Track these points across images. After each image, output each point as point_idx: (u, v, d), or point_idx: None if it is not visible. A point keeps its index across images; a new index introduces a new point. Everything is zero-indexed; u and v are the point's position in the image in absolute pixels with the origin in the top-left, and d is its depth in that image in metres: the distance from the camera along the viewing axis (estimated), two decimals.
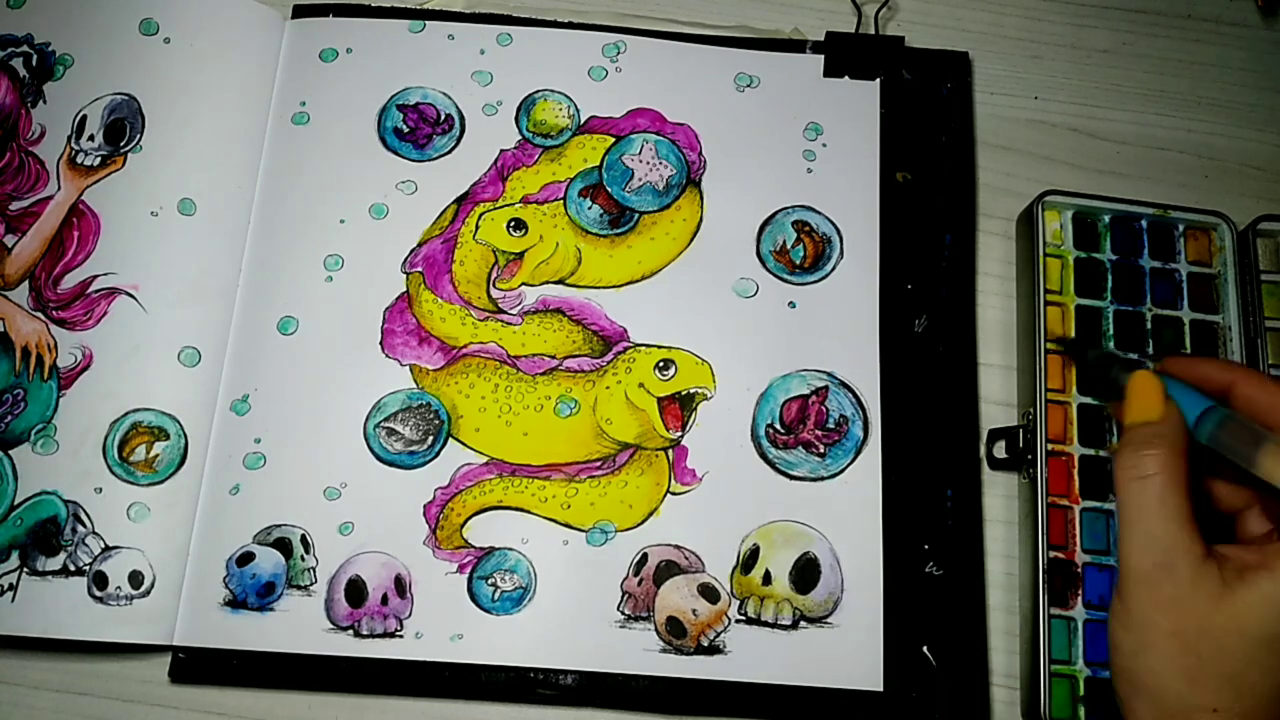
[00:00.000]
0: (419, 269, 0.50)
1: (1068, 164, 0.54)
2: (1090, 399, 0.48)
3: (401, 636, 0.45)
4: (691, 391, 0.49)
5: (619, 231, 0.51)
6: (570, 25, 0.54)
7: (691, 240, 0.51)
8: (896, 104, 0.53)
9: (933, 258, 0.51)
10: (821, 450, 0.48)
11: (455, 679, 0.45)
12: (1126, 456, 0.36)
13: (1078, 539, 0.46)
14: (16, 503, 0.46)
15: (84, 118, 0.51)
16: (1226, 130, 0.55)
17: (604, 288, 0.50)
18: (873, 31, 0.55)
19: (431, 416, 0.48)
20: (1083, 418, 0.48)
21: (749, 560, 0.47)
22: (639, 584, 0.46)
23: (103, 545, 0.45)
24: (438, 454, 0.48)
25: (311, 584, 0.46)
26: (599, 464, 0.48)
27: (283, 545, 0.46)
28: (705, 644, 0.45)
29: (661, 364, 0.49)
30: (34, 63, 0.52)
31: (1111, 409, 0.38)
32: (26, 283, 0.49)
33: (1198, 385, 0.37)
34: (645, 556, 0.47)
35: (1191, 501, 0.35)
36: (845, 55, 0.54)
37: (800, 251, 0.51)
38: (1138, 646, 0.35)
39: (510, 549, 0.46)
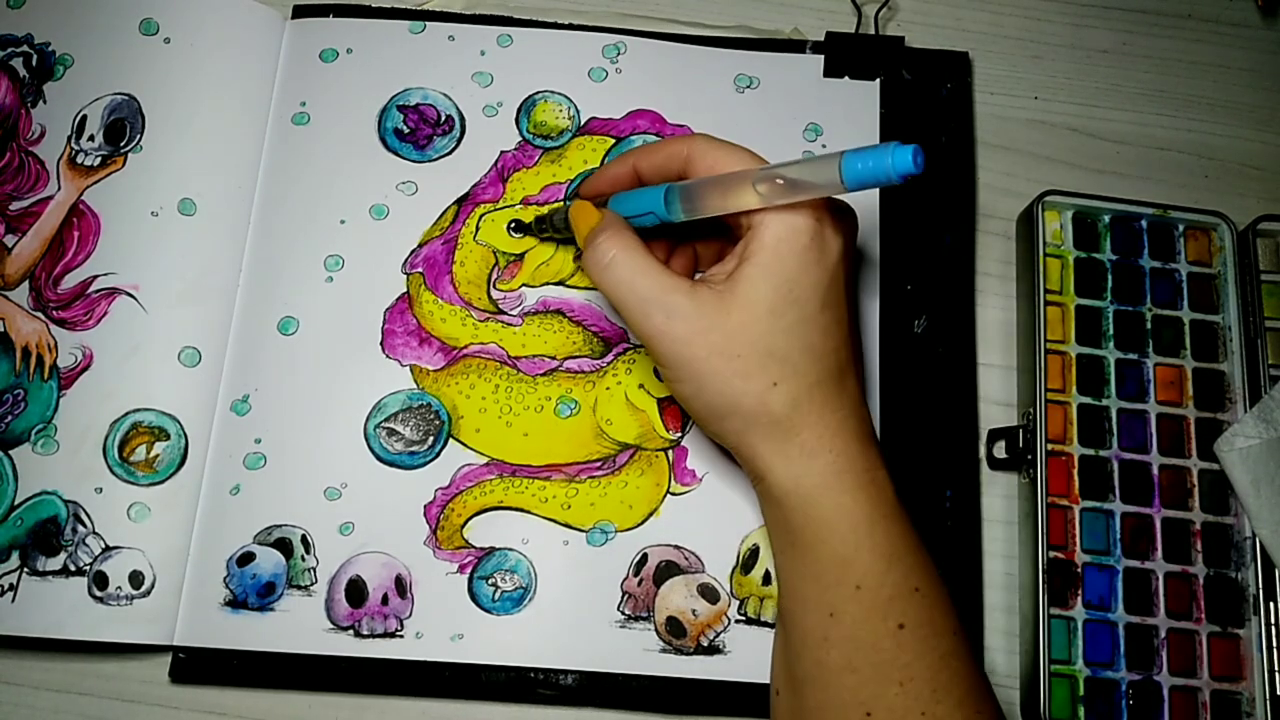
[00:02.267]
0: (419, 270, 0.50)
1: (1068, 164, 0.54)
2: (1089, 399, 0.48)
3: (402, 636, 0.45)
4: None
5: None
6: (570, 26, 0.54)
7: None
8: (896, 104, 0.53)
9: (932, 258, 0.51)
10: None
11: (455, 679, 0.45)
12: (588, 258, 0.40)
13: (1078, 539, 0.46)
14: (17, 503, 0.46)
15: (84, 118, 0.51)
16: (1226, 130, 0.56)
17: None
18: (873, 32, 0.55)
19: (432, 417, 0.48)
20: (1083, 418, 0.48)
21: (749, 560, 0.47)
22: (639, 584, 0.46)
23: (103, 545, 0.45)
24: (438, 454, 0.48)
25: (312, 584, 0.46)
26: (599, 464, 0.48)
27: (283, 545, 0.46)
28: (705, 644, 0.45)
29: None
30: (34, 63, 0.52)
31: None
32: (26, 283, 0.49)
33: (616, 187, 0.44)
34: (645, 557, 0.47)
35: (656, 258, 0.40)
36: (845, 55, 0.54)
37: None
38: (695, 386, 0.39)
39: (510, 549, 0.47)
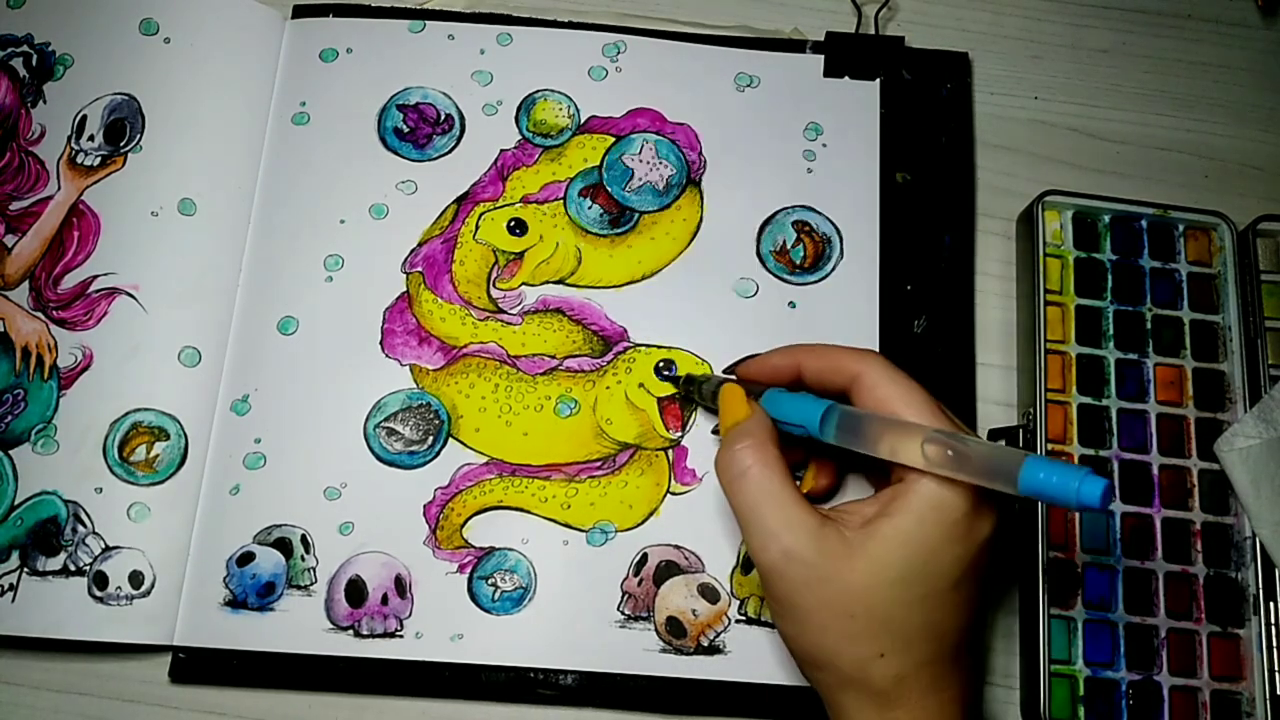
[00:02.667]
0: (419, 269, 0.50)
1: (1068, 164, 0.54)
2: (1089, 399, 0.48)
3: (401, 636, 0.45)
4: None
5: (619, 231, 0.51)
6: (570, 25, 0.54)
7: (691, 240, 0.51)
8: (896, 104, 0.53)
9: (932, 258, 0.51)
10: None
11: (455, 679, 0.45)
12: (722, 458, 0.38)
13: (1078, 539, 0.46)
14: (16, 503, 0.46)
15: (84, 118, 0.51)
16: (1226, 130, 0.56)
17: (604, 288, 0.50)
18: (873, 31, 0.55)
19: (431, 416, 0.48)
20: (1083, 417, 0.48)
21: (749, 560, 0.47)
22: (639, 584, 0.46)
23: (103, 545, 0.45)
24: (438, 454, 0.48)
25: (311, 584, 0.46)
26: (599, 464, 0.48)
27: (283, 545, 0.46)
28: (705, 644, 0.45)
29: (662, 364, 0.49)
30: (34, 63, 0.52)
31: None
32: (26, 283, 0.49)
33: (775, 379, 0.41)
34: (645, 556, 0.47)
35: (792, 482, 0.37)
36: (845, 55, 0.54)
37: (800, 251, 0.51)
38: (797, 629, 0.37)
39: (510, 549, 0.47)
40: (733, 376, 0.44)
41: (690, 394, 0.47)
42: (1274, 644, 0.45)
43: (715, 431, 0.48)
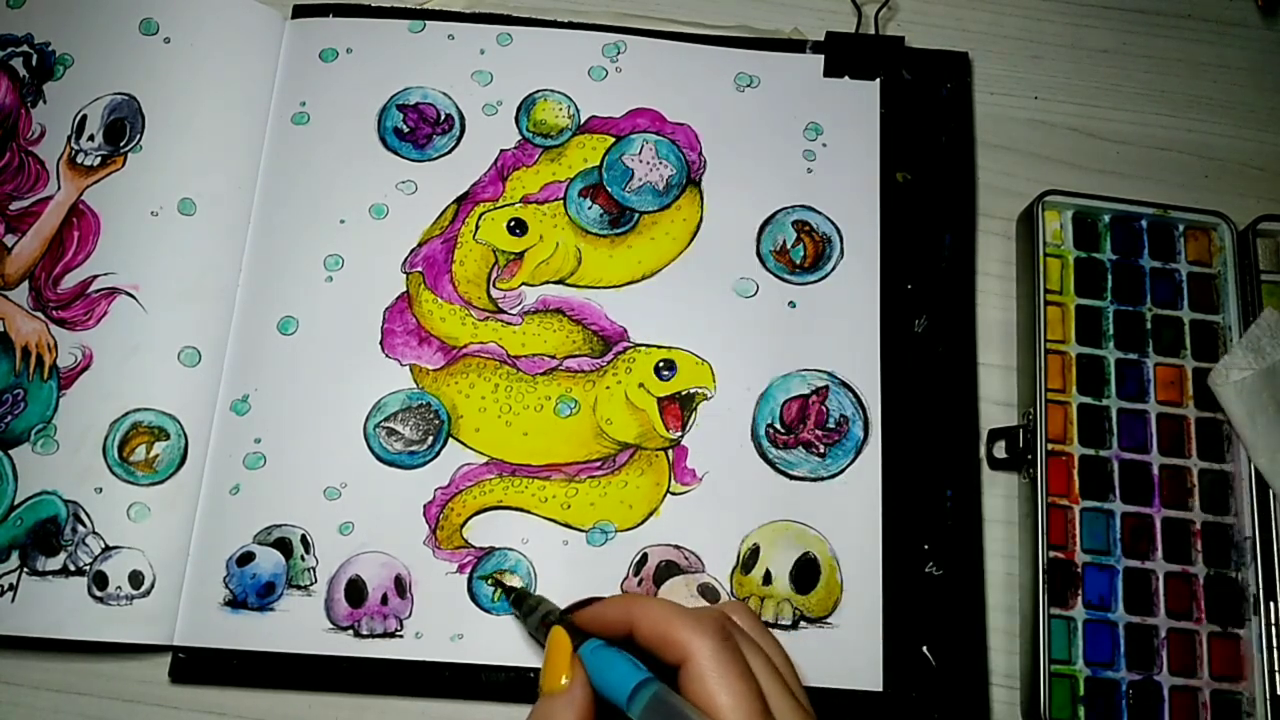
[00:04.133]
0: (419, 269, 0.50)
1: (1068, 164, 0.54)
2: (1089, 399, 0.48)
3: (401, 636, 0.45)
4: (691, 391, 0.49)
5: (619, 231, 0.51)
6: (570, 25, 0.54)
7: (691, 240, 0.51)
8: (896, 104, 0.53)
9: (933, 258, 0.51)
10: (822, 450, 0.48)
11: (455, 679, 0.45)
12: (541, 708, 0.35)
13: (1078, 539, 0.46)
14: (16, 503, 0.46)
15: (84, 117, 0.51)
16: (1226, 130, 0.56)
17: (604, 288, 0.50)
18: (873, 31, 0.55)
19: (431, 416, 0.48)
20: (1082, 417, 0.48)
21: (749, 560, 0.47)
22: (639, 584, 0.46)
23: (103, 545, 0.45)
24: (438, 454, 0.48)
25: (311, 584, 0.46)
26: (599, 464, 0.48)
27: (283, 545, 0.46)
28: None
29: (661, 364, 0.49)
30: (34, 63, 0.52)
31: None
32: (26, 283, 0.49)
33: (606, 633, 0.36)
34: (645, 556, 0.47)
35: None
36: (845, 55, 0.54)
37: (800, 251, 0.51)
38: None
39: (510, 549, 0.47)
40: (564, 614, 0.39)
41: (516, 615, 0.44)
42: (1274, 644, 0.45)
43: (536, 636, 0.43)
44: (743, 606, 0.38)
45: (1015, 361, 0.51)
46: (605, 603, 0.38)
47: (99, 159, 0.50)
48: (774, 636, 0.37)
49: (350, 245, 0.50)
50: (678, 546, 0.47)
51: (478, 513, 0.47)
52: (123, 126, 0.50)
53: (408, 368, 0.49)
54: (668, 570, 0.46)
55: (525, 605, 0.42)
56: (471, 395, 0.49)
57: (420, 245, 0.51)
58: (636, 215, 0.52)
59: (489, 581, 0.46)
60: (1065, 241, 0.51)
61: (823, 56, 0.54)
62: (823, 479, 0.48)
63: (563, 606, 0.40)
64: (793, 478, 0.48)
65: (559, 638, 0.37)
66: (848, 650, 0.45)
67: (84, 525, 0.45)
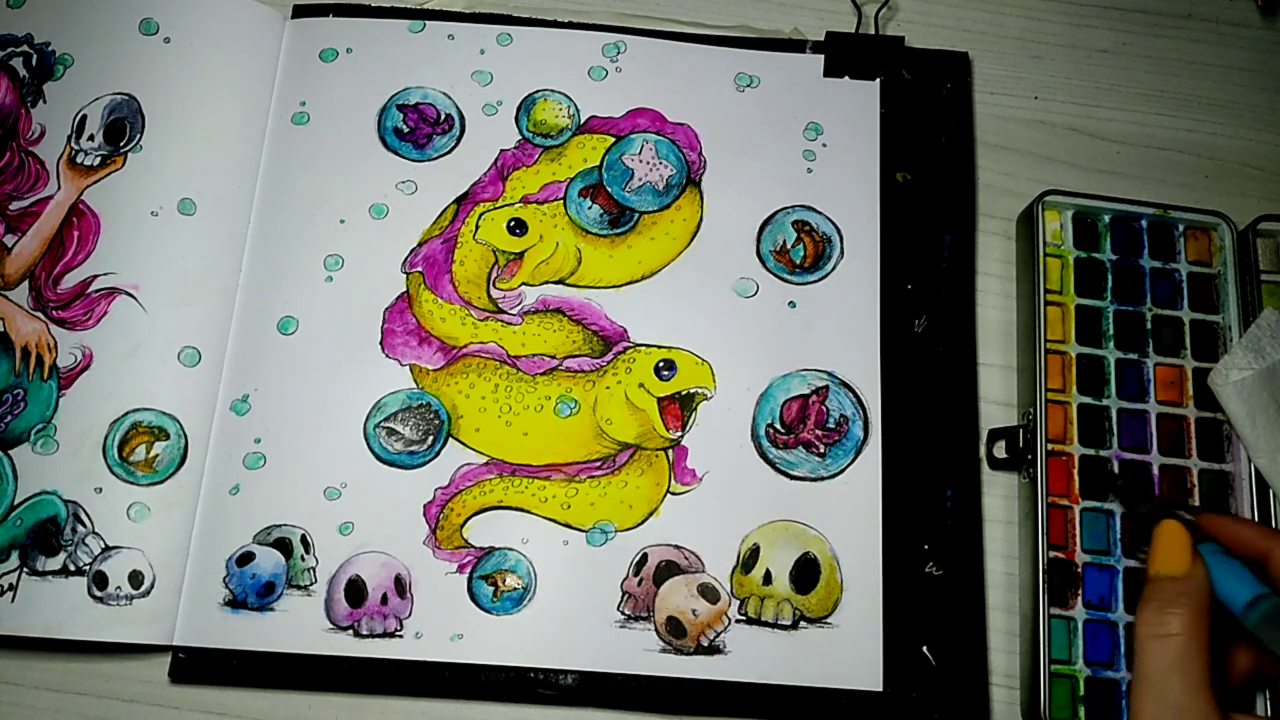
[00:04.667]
0: (419, 269, 0.50)
1: (1068, 164, 0.54)
2: (1089, 399, 0.48)
3: (401, 636, 0.45)
4: (691, 391, 0.49)
5: (619, 231, 0.51)
6: (570, 25, 0.54)
7: (691, 240, 0.51)
8: (896, 104, 0.53)
9: (933, 258, 0.51)
10: (822, 450, 0.48)
11: (455, 679, 0.45)
12: (1150, 612, 0.35)
13: (1078, 539, 0.46)
14: (16, 503, 0.46)
15: (84, 117, 0.51)
16: (1226, 130, 0.56)
17: (604, 288, 0.50)
18: (873, 31, 0.55)
19: (431, 416, 0.48)
20: (1083, 417, 0.48)
21: (749, 560, 0.47)
22: (639, 584, 0.46)
23: (103, 545, 0.45)
24: (438, 454, 0.48)
25: (311, 584, 0.46)
26: (599, 464, 0.48)
27: (283, 545, 0.46)
28: (705, 644, 0.45)
29: (661, 364, 0.49)
30: (34, 63, 0.52)
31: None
32: (26, 283, 0.49)
33: (1232, 547, 0.37)
34: (645, 556, 0.47)
35: (1210, 667, 0.34)
36: (845, 55, 0.54)
37: (800, 251, 0.51)
38: None
39: (510, 549, 0.46)
40: (1182, 513, 0.39)
41: (1128, 506, 0.45)
42: None
43: (1139, 558, 0.44)
44: None
45: (1015, 361, 0.51)
46: (1240, 520, 0.38)
47: (99, 159, 0.50)
48: None
49: (350, 245, 0.50)
50: (678, 546, 0.47)
51: (478, 513, 0.47)
52: (123, 126, 0.50)
53: (408, 368, 0.49)
54: (668, 570, 0.46)
55: (1135, 498, 0.43)
56: (471, 395, 0.49)
57: (420, 245, 0.51)
58: (636, 215, 0.52)
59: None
60: (1065, 241, 0.51)
61: (823, 56, 0.54)
62: (823, 479, 0.48)
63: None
64: (793, 478, 0.48)
65: (1177, 529, 0.37)
66: (848, 650, 0.45)
67: (84, 525, 0.45)
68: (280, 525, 0.46)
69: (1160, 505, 0.41)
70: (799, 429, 0.48)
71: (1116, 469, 0.47)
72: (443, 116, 0.53)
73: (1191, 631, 0.34)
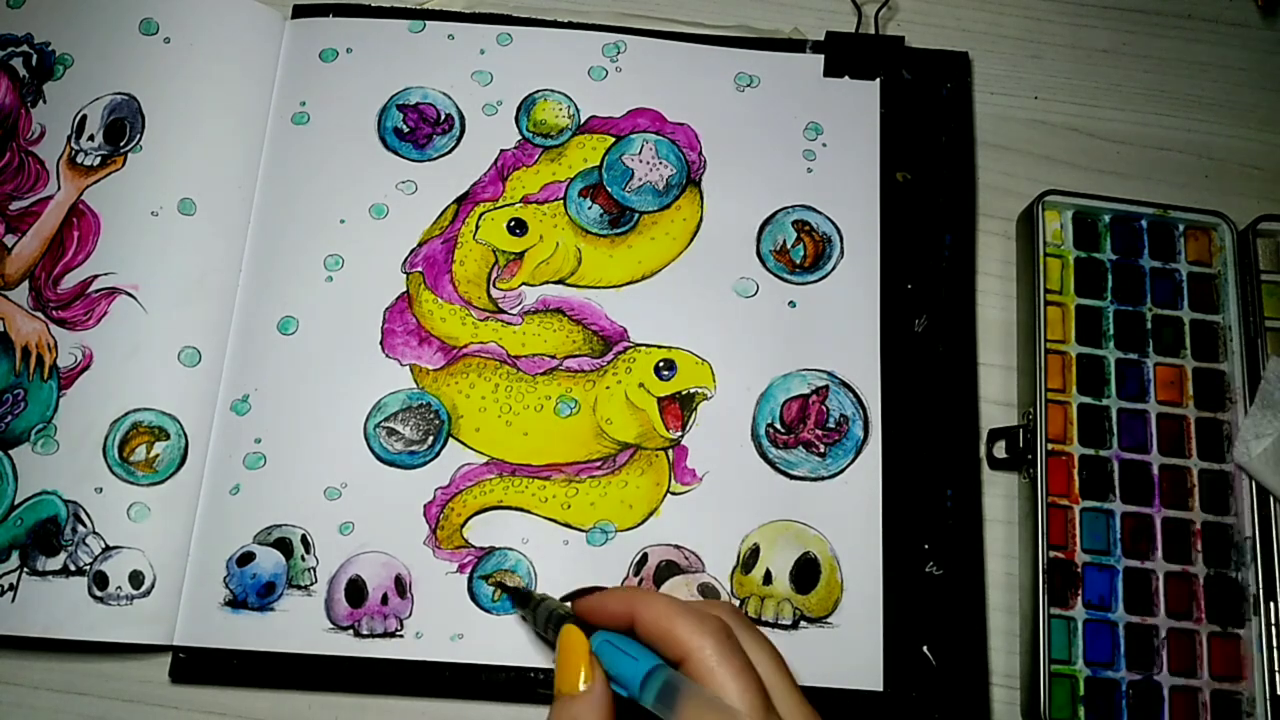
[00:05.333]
0: (419, 269, 0.50)
1: (1068, 164, 0.54)
2: (1089, 399, 0.48)
3: (402, 636, 0.45)
4: (691, 391, 0.49)
5: (619, 231, 0.51)
6: (570, 25, 0.54)
7: (691, 240, 0.51)
8: (896, 104, 0.53)
9: (933, 258, 0.51)
10: (822, 450, 0.48)
11: (455, 679, 0.45)
12: (560, 710, 0.35)
13: (1078, 539, 0.46)
14: (16, 503, 0.46)
15: (84, 118, 0.51)
16: (1226, 130, 0.56)
17: (604, 288, 0.50)
18: (873, 31, 0.55)
19: (431, 416, 0.48)
20: (1083, 417, 0.48)
21: (749, 560, 0.47)
22: (639, 584, 0.46)
23: (103, 545, 0.45)
24: (438, 454, 0.48)
25: (312, 584, 0.46)
26: (599, 464, 0.48)
27: (283, 545, 0.46)
28: None
29: (662, 364, 0.49)
30: (34, 63, 0.52)
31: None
32: (26, 283, 0.49)
33: (609, 625, 0.36)
34: (645, 556, 0.47)
35: None
36: (845, 55, 0.54)
37: (800, 251, 0.51)
38: None
39: (510, 549, 0.47)
40: (565, 599, 0.40)
41: (522, 615, 0.44)
42: (1274, 644, 0.45)
43: (545, 637, 0.41)
44: (734, 609, 0.38)
45: (1015, 361, 0.51)
46: (608, 594, 0.38)
47: (99, 159, 0.50)
48: (768, 639, 0.37)
49: (350, 245, 0.50)
50: (678, 546, 0.47)
51: (478, 513, 0.47)
52: (123, 126, 0.50)
53: (408, 368, 0.49)
54: (668, 570, 0.46)
55: (531, 603, 0.42)
56: (472, 395, 0.49)
57: (420, 245, 0.51)
58: (636, 215, 0.52)
59: (490, 582, 0.46)
60: (1065, 241, 0.51)
61: (823, 56, 0.54)
62: (823, 479, 0.48)
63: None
64: (793, 477, 0.48)
65: (574, 637, 0.36)
66: (848, 650, 0.45)
67: (84, 525, 0.45)
68: (280, 525, 0.46)
69: (539, 601, 0.41)
70: (799, 429, 0.48)
71: (530, 589, 0.45)
72: (443, 116, 0.53)
73: None
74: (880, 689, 0.45)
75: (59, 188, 0.50)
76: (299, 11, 0.54)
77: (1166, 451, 0.48)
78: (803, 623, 0.46)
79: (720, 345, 0.49)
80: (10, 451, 0.46)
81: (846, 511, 0.47)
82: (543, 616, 0.40)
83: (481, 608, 0.46)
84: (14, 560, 0.45)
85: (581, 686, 0.35)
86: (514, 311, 0.50)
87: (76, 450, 0.46)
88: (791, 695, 0.35)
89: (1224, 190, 0.54)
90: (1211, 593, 0.46)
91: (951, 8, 0.57)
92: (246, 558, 0.46)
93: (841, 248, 0.51)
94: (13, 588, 0.45)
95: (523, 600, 0.43)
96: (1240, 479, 0.48)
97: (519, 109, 0.53)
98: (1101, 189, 0.52)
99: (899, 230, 0.51)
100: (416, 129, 0.52)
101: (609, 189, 0.52)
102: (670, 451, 0.48)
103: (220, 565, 0.46)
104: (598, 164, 0.52)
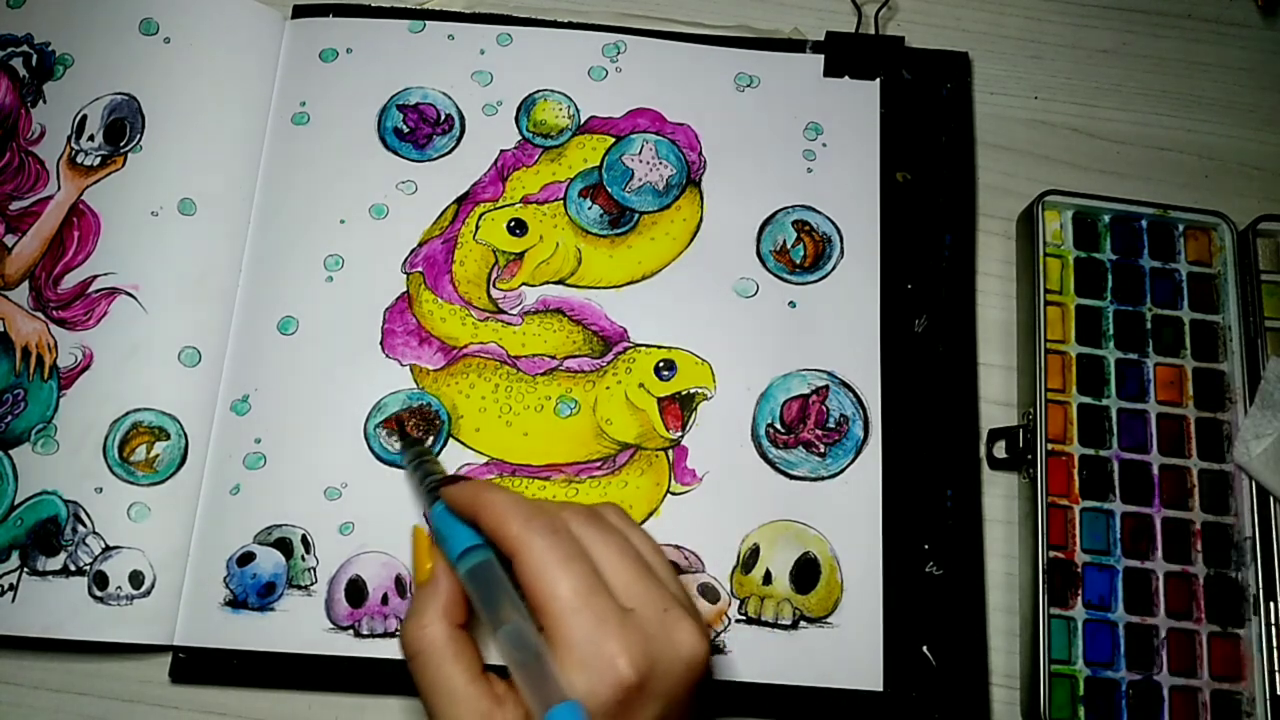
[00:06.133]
0: (419, 269, 0.50)
1: (1068, 164, 0.54)
2: (1089, 399, 0.48)
3: None
4: (691, 391, 0.49)
5: (619, 231, 0.51)
6: (570, 25, 0.54)
7: (691, 240, 0.51)
8: (896, 104, 0.53)
9: (933, 258, 0.51)
10: (822, 450, 0.48)
11: None
12: (406, 630, 0.36)
13: (1078, 539, 0.46)
14: (17, 503, 0.46)
15: (84, 118, 0.51)
16: (1226, 130, 0.56)
17: (604, 288, 0.50)
18: (873, 31, 0.55)
19: (432, 416, 0.48)
20: (1083, 417, 0.48)
21: (749, 560, 0.47)
22: None
23: (103, 545, 0.45)
24: (438, 454, 0.48)
25: (312, 584, 0.46)
26: (599, 464, 0.48)
27: (283, 545, 0.46)
28: None
29: (661, 364, 0.49)
30: (34, 63, 0.52)
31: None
32: (26, 283, 0.49)
33: (458, 515, 0.38)
34: None
35: (469, 663, 0.35)
36: (845, 55, 0.54)
37: (800, 251, 0.51)
38: None
39: None
40: (437, 484, 0.41)
41: (406, 470, 0.46)
42: (1274, 644, 0.45)
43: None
44: (585, 508, 0.38)
45: (1015, 361, 0.51)
46: (462, 487, 0.39)
47: (99, 159, 0.50)
48: (623, 532, 0.37)
49: (350, 245, 0.50)
50: (678, 546, 0.47)
51: None
52: (123, 126, 0.50)
53: (408, 368, 0.49)
54: None
55: (415, 459, 0.44)
56: (472, 395, 0.49)
57: (420, 245, 0.51)
58: (636, 215, 0.52)
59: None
60: (1065, 241, 0.51)
61: (823, 56, 0.54)
62: (823, 479, 0.48)
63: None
64: (793, 477, 0.48)
65: (419, 536, 0.40)
66: (848, 650, 0.45)
67: (84, 525, 0.45)
68: (280, 525, 0.46)
69: (421, 461, 0.44)
70: (799, 429, 0.48)
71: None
72: (443, 116, 0.53)
73: (439, 644, 0.36)
74: (880, 689, 0.45)
75: (59, 188, 0.50)
76: (299, 11, 0.54)
77: (1166, 451, 0.48)
78: (803, 623, 0.46)
79: (720, 345, 0.49)
80: (10, 451, 0.46)
81: (846, 511, 0.47)
82: (416, 483, 0.43)
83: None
84: (14, 560, 0.45)
85: (424, 577, 0.38)
86: (514, 312, 0.50)
87: (76, 450, 0.46)
88: (639, 579, 0.35)
89: (1224, 190, 0.54)
90: (1211, 593, 0.46)
91: (951, 8, 0.57)
92: (247, 558, 0.46)
93: (841, 248, 0.51)
94: (13, 588, 0.45)
95: (413, 453, 0.45)
96: (1240, 479, 0.48)
97: (519, 109, 0.53)
98: (1101, 189, 0.52)
99: (899, 230, 0.51)
100: (416, 129, 0.52)
101: (609, 189, 0.52)
102: (670, 452, 0.48)
103: (220, 565, 0.46)
104: (598, 164, 0.52)
